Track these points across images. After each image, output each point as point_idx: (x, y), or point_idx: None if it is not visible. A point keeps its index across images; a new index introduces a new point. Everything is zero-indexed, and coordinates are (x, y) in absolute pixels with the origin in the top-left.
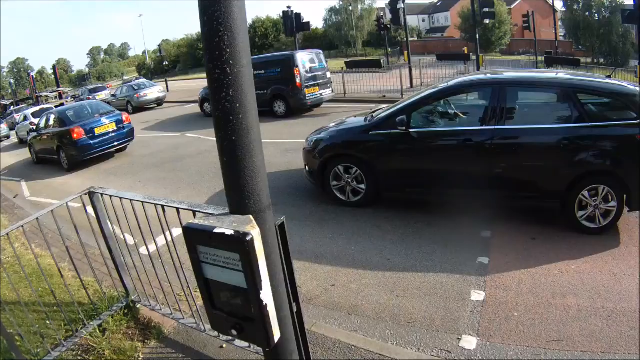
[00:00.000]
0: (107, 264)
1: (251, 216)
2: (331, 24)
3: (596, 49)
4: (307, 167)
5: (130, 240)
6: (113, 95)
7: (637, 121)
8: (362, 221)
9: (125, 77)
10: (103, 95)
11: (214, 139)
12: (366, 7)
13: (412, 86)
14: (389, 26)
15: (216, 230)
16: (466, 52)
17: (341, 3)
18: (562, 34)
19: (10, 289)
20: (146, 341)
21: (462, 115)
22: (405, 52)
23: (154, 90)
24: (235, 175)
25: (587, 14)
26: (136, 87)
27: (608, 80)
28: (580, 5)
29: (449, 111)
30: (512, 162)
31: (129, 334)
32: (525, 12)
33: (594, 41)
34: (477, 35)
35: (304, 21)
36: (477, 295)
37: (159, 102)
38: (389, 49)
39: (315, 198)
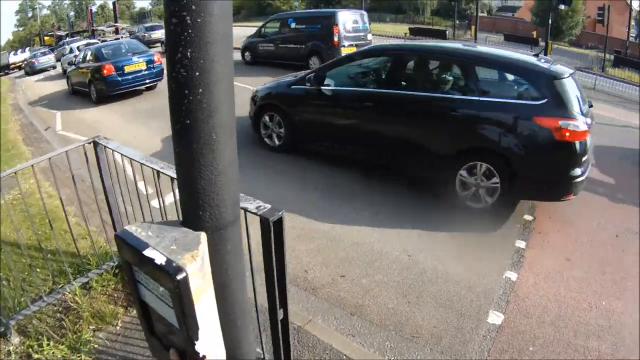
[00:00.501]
0: (102, 218)
1: (203, 235)
2: None
3: None
4: (250, 114)
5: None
6: None
7: (538, 102)
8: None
9: None
10: (159, 34)
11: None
12: None
13: None
14: None
15: (146, 253)
16: (535, 36)
17: None
18: (634, 35)
19: (11, 229)
20: (129, 307)
21: (369, 78)
22: (473, 27)
23: None
24: (187, 175)
25: None
26: None
27: (521, 56)
28: None
29: (359, 73)
30: (401, 127)
31: (113, 297)
32: (601, 4)
33: None
34: (550, 21)
35: None
36: (495, 318)
37: None
38: (457, 21)
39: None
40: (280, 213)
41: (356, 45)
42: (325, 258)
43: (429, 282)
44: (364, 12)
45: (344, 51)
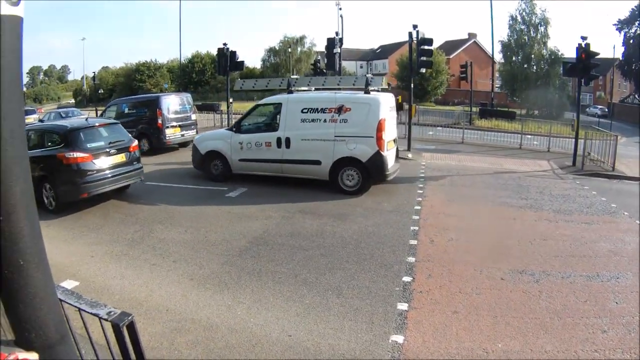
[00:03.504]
0: None
1: (34, 354)
2: (269, 65)
3: (530, 100)
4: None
5: None
6: (41, 121)
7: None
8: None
9: (62, 102)
10: (32, 118)
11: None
12: (306, 50)
13: None
14: (324, 71)
15: None
16: (400, 101)
17: (281, 44)
18: (499, 85)
19: None
20: None
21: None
22: None
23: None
24: (5, 300)
25: (525, 66)
26: (64, 115)
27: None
28: (520, 58)
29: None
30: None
31: None
32: (463, 62)
33: (529, 93)
34: (412, 85)
35: (238, 60)
36: None
37: None
38: None
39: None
40: (130, 317)
41: (180, 126)
42: (205, 349)
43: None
44: (188, 95)
45: (169, 132)
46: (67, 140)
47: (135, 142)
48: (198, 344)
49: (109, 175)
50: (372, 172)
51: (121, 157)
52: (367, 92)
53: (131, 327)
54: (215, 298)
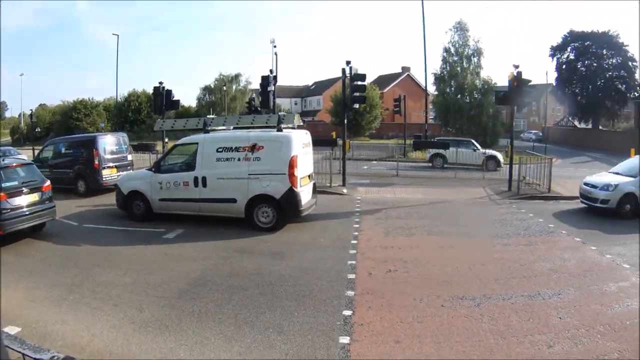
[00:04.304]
0: None
1: None
2: (204, 103)
3: (465, 129)
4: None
5: None
6: None
7: None
8: None
9: None
10: None
11: None
12: (241, 87)
13: None
14: (259, 109)
15: None
16: (334, 136)
17: (216, 82)
18: (432, 117)
19: None
20: None
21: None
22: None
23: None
24: None
25: (458, 96)
26: (0, 154)
27: None
28: (453, 89)
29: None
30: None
31: None
32: (397, 96)
33: (463, 122)
34: (345, 120)
35: (174, 99)
36: None
37: None
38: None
39: None
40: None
41: (117, 167)
42: None
43: None
44: (124, 134)
45: (106, 173)
46: None
47: (48, 182)
48: None
49: (25, 214)
50: (285, 208)
51: (34, 197)
52: (279, 129)
53: None
54: (157, 341)
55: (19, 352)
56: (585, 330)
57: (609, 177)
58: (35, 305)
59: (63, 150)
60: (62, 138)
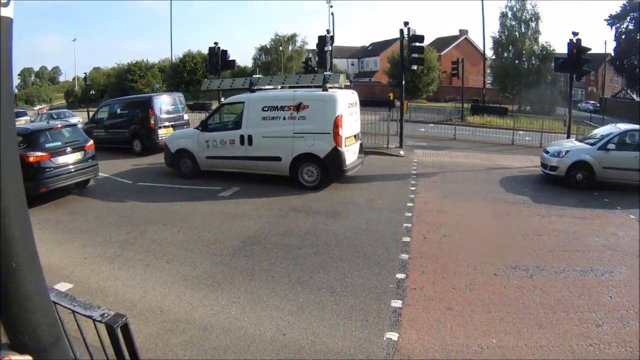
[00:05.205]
0: None
1: (28, 357)
2: (260, 64)
3: (522, 96)
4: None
5: None
6: (32, 122)
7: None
8: None
9: (53, 103)
10: (23, 120)
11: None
12: (297, 48)
13: None
14: (315, 69)
15: None
16: (392, 98)
17: (272, 43)
18: (490, 82)
19: None
20: None
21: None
22: None
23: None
24: None
25: (516, 61)
26: (55, 117)
27: None
28: (511, 54)
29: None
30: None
31: None
32: (455, 59)
33: (521, 88)
34: (404, 82)
35: (229, 59)
36: None
37: None
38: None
39: None
40: (124, 319)
41: (173, 126)
42: (200, 349)
43: (309, 358)
44: (180, 94)
45: (162, 132)
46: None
47: (90, 142)
48: (193, 344)
49: (69, 171)
50: (329, 167)
51: (77, 155)
52: (324, 89)
53: (125, 329)
54: (209, 298)
55: (69, 308)
56: (635, 312)
57: (568, 144)
58: (88, 262)
59: (119, 111)
60: (118, 99)
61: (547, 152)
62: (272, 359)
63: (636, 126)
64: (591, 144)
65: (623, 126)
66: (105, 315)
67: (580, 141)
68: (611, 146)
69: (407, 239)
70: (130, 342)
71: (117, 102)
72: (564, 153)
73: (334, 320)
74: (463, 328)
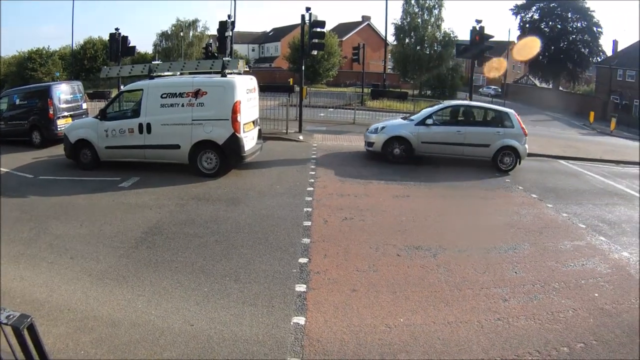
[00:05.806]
0: None
1: None
2: (161, 50)
3: (423, 81)
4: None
5: None
6: None
7: None
8: None
9: None
10: None
11: None
12: (198, 33)
13: None
14: (216, 54)
15: None
16: (292, 83)
17: (173, 28)
18: (391, 67)
19: None
20: None
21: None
22: None
23: None
24: None
25: (418, 47)
26: None
27: None
28: (413, 39)
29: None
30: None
31: None
32: (356, 44)
33: (422, 73)
34: (303, 67)
35: (130, 45)
36: None
37: None
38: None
39: None
40: (29, 319)
41: (72, 116)
42: (110, 346)
43: (218, 347)
44: (79, 83)
45: (61, 123)
46: None
47: None
48: (102, 341)
49: None
50: (228, 154)
51: None
52: (223, 75)
53: (32, 330)
54: (115, 293)
55: None
56: (541, 286)
57: (391, 121)
58: None
59: (17, 102)
60: (17, 89)
61: (368, 130)
62: (182, 350)
63: (462, 102)
64: (411, 121)
65: (453, 102)
66: (11, 317)
67: (404, 119)
68: (429, 121)
69: (308, 223)
70: (38, 343)
71: (16, 93)
72: (380, 129)
73: (240, 308)
74: (369, 309)
